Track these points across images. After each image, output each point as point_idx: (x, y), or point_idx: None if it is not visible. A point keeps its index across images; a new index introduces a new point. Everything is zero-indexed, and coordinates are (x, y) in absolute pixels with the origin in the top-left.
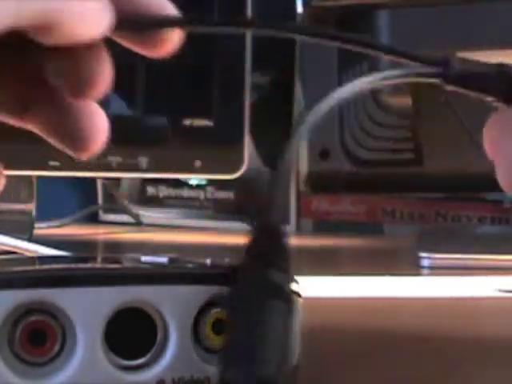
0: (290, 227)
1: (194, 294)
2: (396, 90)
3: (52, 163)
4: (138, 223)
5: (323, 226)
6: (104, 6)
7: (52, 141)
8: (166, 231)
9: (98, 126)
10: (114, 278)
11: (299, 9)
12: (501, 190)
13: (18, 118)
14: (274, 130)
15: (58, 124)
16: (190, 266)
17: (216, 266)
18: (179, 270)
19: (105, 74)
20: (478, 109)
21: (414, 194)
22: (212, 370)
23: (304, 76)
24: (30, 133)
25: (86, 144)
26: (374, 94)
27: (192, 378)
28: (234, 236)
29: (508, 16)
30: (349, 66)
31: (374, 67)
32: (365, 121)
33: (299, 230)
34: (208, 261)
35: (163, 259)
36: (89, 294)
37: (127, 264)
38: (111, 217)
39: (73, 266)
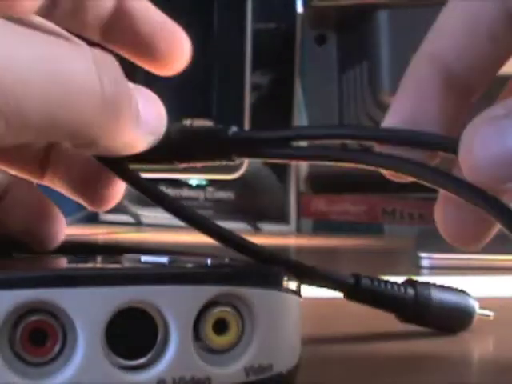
0: (290, 227)
1: (195, 294)
2: (396, 90)
3: None
4: (138, 223)
5: (323, 226)
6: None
7: (70, 195)
8: (166, 231)
9: (115, 187)
10: (115, 277)
11: (299, 9)
12: None
13: (38, 177)
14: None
15: (76, 181)
16: (190, 265)
17: (216, 266)
18: (180, 270)
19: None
20: (477, 109)
21: (414, 194)
22: (213, 370)
23: (304, 76)
24: None
25: (101, 202)
26: (373, 94)
27: (193, 379)
28: None
29: None
30: (349, 65)
31: (374, 67)
32: (365, 121)
33: (299, 230)
34: (208, 261)
35: (163, 259)
36: (89, 294)
37: (127, 264)
38: (111, 217)
39: (73, 265)
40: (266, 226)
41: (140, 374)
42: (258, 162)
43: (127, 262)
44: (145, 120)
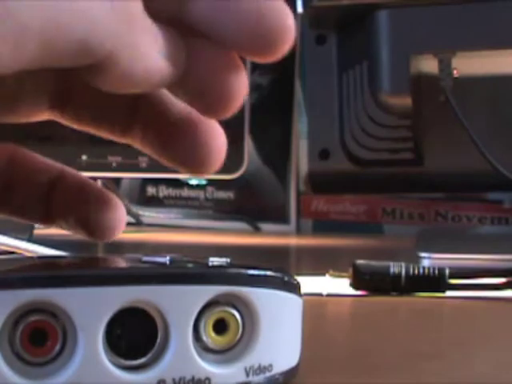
0: (290, 227)
1: (195, 294)
2: (396, 90)
3: None
4: (138, 223)
5: (323, 226)
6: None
7: (160, 159)
8: (166, 231)
9: (216, 143)
10: (115, 277)
11: (299, 9)
12: (501, 190)
13: (120, 134)
14: (274, 130)
15: (167, 142)
16: (190, 265)
17: (216, 267)
18: (180, 270)
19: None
20: (478, 109)
21: (414, 194)
22: (213, 370)
23: (304, 76)
24: (30, 133)
25: (200, 163)
26: (373, 94)
27: (193, 379)
28: (234, 236)
29: (508, 16)
30: (349, 66)
31: (374, 67)
32: (365, 121)
33: (299, 230)
34: (208, 261)
35: (164, 259)
36: (89, 294)
37: (128, 264)
38: None
39: (73, 266)
40: (265, 226)
41: (140, 373)
42: (258, 161)
43: (127, 262)
44: (163, 45)
